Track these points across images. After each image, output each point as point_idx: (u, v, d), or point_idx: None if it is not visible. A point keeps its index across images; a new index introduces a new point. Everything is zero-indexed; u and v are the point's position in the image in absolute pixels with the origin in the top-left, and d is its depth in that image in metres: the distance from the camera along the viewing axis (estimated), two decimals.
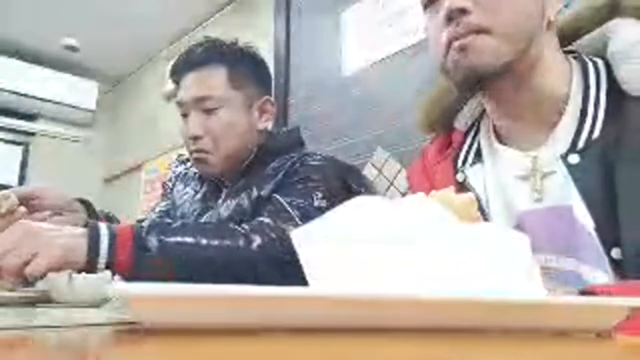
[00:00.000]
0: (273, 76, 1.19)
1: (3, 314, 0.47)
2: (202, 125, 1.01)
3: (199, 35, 3.02)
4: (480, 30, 0.58)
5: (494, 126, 0.70)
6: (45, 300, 0.69)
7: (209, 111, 1.01)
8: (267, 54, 2.15)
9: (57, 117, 3.69)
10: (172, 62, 1.15)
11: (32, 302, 0.68)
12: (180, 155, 1.33)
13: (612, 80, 0.61)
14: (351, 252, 0.27)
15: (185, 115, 1.04)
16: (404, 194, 1.65)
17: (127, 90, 3.87)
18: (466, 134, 0.74)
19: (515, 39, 0.59)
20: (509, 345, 0.24)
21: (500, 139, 0.69)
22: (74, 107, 3.62)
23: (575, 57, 0.67)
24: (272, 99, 1.11)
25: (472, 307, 0.24)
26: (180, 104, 1.04)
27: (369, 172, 1.79)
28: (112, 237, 0.75)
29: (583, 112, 0.60)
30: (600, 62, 0.63)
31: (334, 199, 0.92)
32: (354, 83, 1.97)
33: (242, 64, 1.06)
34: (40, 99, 3.48)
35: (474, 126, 0.75)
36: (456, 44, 0.60)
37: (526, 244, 0.28)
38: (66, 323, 0.39)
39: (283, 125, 2.05)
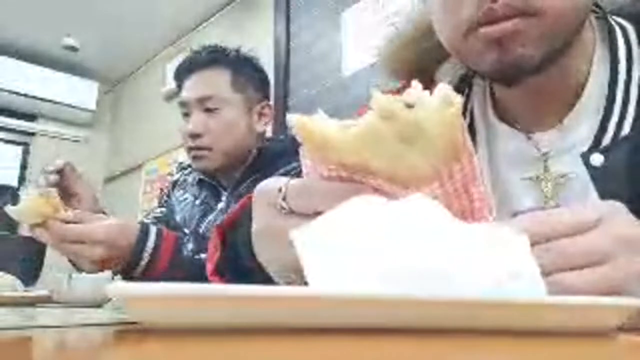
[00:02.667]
0: (273, 76, 1.24)
1: (3, 314, 0.47)
2: (203, 124, 1.05)
3: (199, 35, 3.03)
4: (526, 11, 0.42)
5: (492, 96, 0.57)
6: (45, 300, 0.69)
7: (210, 111, 1.06)
8: (267, 54, 2.15)
9: (57, 117, 3.70)
10: (172, 63, 1.20)
11: (32, 302, 0.68)
12: (180, 163, 1.37)
13: None
14: (351, 252, 0.27)
15: (186, 115, 1.09)
16: None
17: (127, 90, 3.87)
18: None
19: (568, 20, 0.44)
20: (509, 345, 0.24)
21: (499, 112, 0.56)
22: (74, 107, 3.63)
23: (596, 17, 0.52)
24: (271, 103, 1.17)
25: (471, 307, 0.24)
26: (183, 103, 1.09)
27: None
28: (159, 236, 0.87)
29: (609, 102, 0.48)
30: (630, 28, 0.50)
31: None
32: (354, 83, 1.97)
33: (245, 68, 1.12)
34: (40, 99, 3.49)
35: (464, 87, 0.59)
36: (489, 30, 0.43)
37: (525, 242, 0.28)
38: (66, 323, 0.39)
39: (282, 125, 2.05)
